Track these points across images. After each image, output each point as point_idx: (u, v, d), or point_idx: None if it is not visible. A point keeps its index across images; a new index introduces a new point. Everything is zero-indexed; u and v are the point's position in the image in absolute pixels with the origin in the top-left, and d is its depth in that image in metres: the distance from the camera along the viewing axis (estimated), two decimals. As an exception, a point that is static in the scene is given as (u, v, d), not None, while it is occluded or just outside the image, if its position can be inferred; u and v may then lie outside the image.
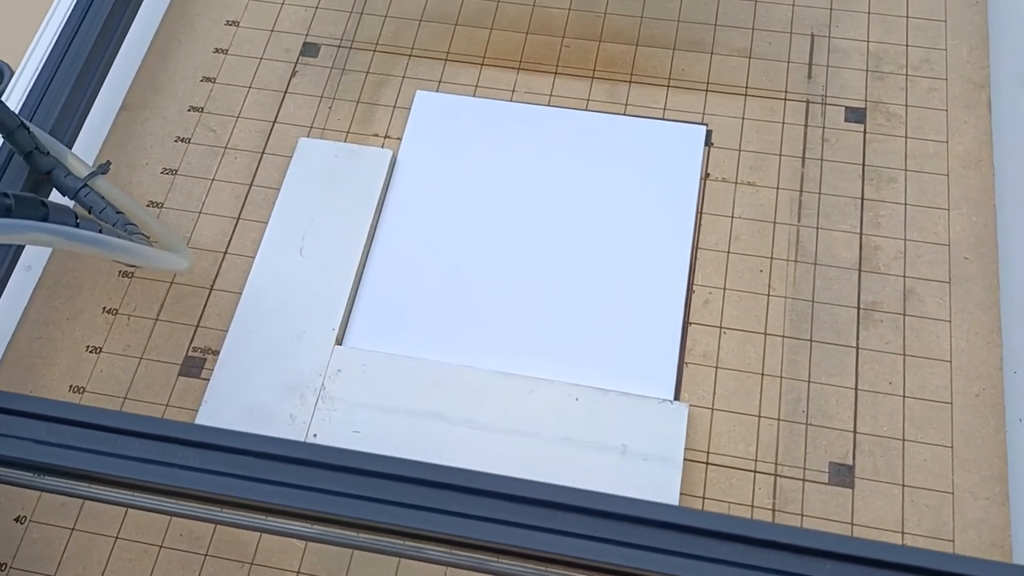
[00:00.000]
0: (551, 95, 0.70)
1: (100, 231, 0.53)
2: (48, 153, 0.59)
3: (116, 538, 0.56)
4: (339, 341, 0.61)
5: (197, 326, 0.63)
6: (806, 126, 0.68)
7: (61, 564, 0.55)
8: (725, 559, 0.44)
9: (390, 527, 0.46)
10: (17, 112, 0.58)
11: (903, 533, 0.55)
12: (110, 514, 0.56)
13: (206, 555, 0.55)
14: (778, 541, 0.44)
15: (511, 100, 0.70)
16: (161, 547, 0.56)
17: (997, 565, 0.46)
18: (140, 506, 0.48)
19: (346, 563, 0.55)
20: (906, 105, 0.69)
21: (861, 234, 0.64)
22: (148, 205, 0.68)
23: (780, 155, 0.67)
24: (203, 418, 0.57)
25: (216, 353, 0.61)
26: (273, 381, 0.59)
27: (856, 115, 0.69)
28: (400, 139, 0.69)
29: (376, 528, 0.46)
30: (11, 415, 0.45)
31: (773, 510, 0.56)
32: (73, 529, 0.56)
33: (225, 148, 0.70)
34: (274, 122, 0.71)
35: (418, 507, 0.45)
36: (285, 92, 0.72)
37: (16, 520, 0.57)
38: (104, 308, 0.64)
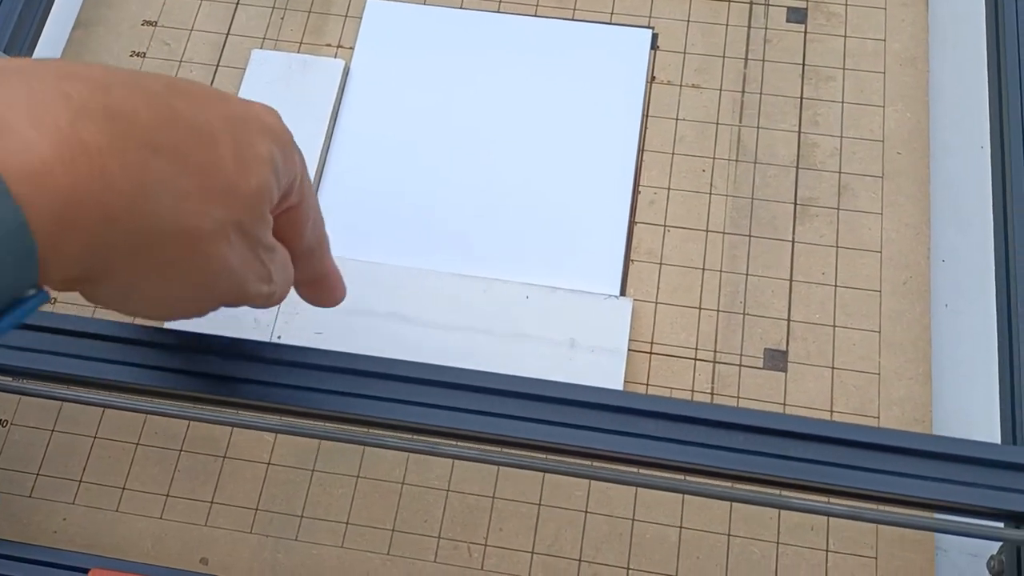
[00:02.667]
0: (501, 1, 0.71)
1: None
2: (4, 70, 0.60)
3: (95, 437, 0.59)
4: (299, 247, 0.63)
5: (162, 237, 0.65)
6: (749, 27, 0.70)
7: (44, 463, 0.59)
8: (662, 436, 0.48)
9: (352, 417, 0.49)
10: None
11: (832, 411, 0.59)
12: (88, 415, 0.60)
13: (181, 450, 0.59)
14: (712, 419, 0.48)
15: (461, 7, 0.71)
16: (138, 444, 0.59)
17: (918, 436, 0.49)
18: (115, 406, 0.51)
19: (314, 454, 0.58)
20: (846, 4, 0.71)
21: (799, 132, 0.67)
22: (107, 120, 0.69)
23: (724, 57, 0.69)
24: (172, 323, 0.60)
25: (181, 262, 0.63)
26: (237, 287, 0.61)
27: (797, 15, 0.71)
28: (353, 48, 0.70)
29: (340, 419, 0.49)
30: (-15, 322, 0.48)
31: (712, 393, 0.60)
32: (53, 430, 0.60)
33: (180, 61, 0.71)
34: (227, 34, 0.72)
35: (378, 398, 0.49)
36: (237, 4, 0.73)
37: (-1, 423, 0.60)
38: (70, 222, 0.66)
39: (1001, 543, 0.53)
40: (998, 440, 0.54)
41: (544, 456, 0.52)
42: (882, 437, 0.48)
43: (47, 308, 0.63)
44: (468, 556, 0.56)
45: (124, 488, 0.58)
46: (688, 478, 0.50)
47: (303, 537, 0.56)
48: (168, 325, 0.60)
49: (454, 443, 0.51)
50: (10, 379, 0.51)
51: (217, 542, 0.57)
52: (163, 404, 0.51)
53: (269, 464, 0.58)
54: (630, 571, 0.55)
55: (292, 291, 0.60)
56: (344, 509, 0.57)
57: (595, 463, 0.50)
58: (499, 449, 0.51)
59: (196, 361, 0.48)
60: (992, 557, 0.53)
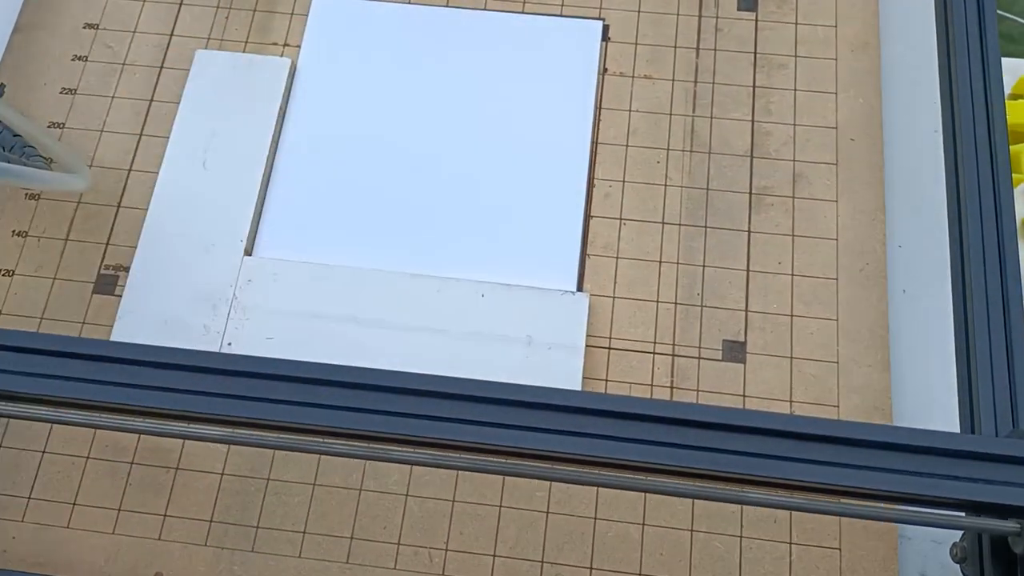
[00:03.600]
0: (449, -5, 0.70)
1: (-6, 155, 0.53)
2: (-64, 78, 0.58)
3: (43, 452, 0.58)
4: (248, 252, 0.62)
5: (107, 244, 0.63)
6: (700, 17, 0.70)
7: (-10, 481, 0.57)
8: (622, 436, 0.47)
9: (305, 427, 0.48)
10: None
11: (791, 402, 0.59)
12: (35, 430, 0.58)
13: (132, 463, 0.57)
14: (672, 417, 0.47)
15: (409, 3, 0.70)
16: (88, 458, 0.58)
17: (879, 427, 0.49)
18: (63, 421, 0.50)
19: (268, 462, 0.57)
20: (797, -9, 0.70)
21: (753, 121, 0.66)
22: (49, 126, 0.67)
23: (675, 47, 0.69)
24: (118, 333, 0.59)
25: (128, 270, 0.62)
26: (185, 294, 0.60)
27: (748, 3, 0.70)
28: (299, 47, 0.69)
29: (292, 429, 0.48)
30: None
31: (671, 387, 0.59)
32: (-1, 447, 0.58)
33: (123, 64, 0.69)
34: (171, 35, 0.70)
35: (330, 407, 0.47)
36: (181, 4, 0.71)
37: (-58, 442, 0.58)
38: (13, 231, 0.64)
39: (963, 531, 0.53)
40: (957, 427, 0.54)
41: (504, 459, 0.51)
42: (842, 430, 0.47)
43: (-12, 322, 0.61)
44: (429, 562, 0.55)
45: (75, 504, 0.57)
46: (649, 477, 0.50)
47: (260, 548, 0.55)
48: (114, 336, 0.59)
49: (412, 449, 0.50)
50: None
51: (172, 556, 0.55)
52: (112, 418, 0.50)
53: (223, 474, 0.57)
54: (593, 571, 0.55)
55: (245, 296, 0.59)
56: (301, 518, 0.56)
57: (555, 465, 0.50)
58: (457, 454, 0.50)
59: (144, 375, 0.47)
60: (955, 544, 0.53)
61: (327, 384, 0.48)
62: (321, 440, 0.50)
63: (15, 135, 0.58)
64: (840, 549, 0.55)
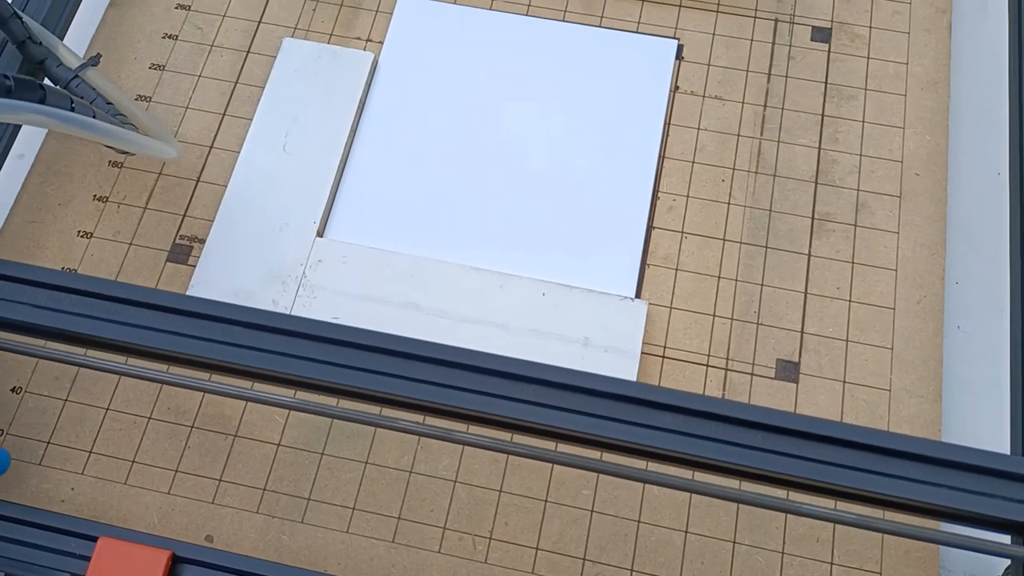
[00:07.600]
0: (529, 5, 0.72)
1: (94, 117, 0.56)
2: (40, 43, 0.60)
3: (107, 409, 0.60)
4: (320, 233, 0.64)
5: (184, 215, 0.65)
6: (773, 44, 0.71)
7: (55, 432, 0.59)
8: (675, 429, 0.48)
9: (367, 392, 0.49)
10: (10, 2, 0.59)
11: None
12: (101, 386, 0.60)
13: (192, 427, 0.59)
14: (724, 415, 0.48)
15: (490, 8, 0.72)
16: (150, 419, 0.59)
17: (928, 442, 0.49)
18: (131, 374, 0.51)
19: (324, 437, 0.59)
20: (870, 27, 0.71)
21: (820, 149, 0.67)
22: (136, 99, 0.70)
23: (747, 71, 0.70)
24: (193, 290, 0.61)
25: (202, 241, 0.64)
26: (257, 268, 0.62)
27: (822, 35, 0.71)
28: (382, 43, 0.71)
29: (354, 394, 0.49)
30: (11, 282, 0.48)
31: (722, 400, 0.60)
32: (66, 400, 0.60)
33: (211, 46, 0.72)
34: (259, 22, 0.72)
35: (394, 375, 0.49)
36: (270, -7, 0.73)
37: (12, 390, 0.60)
38: (94, 196, 0.66)
39: (1007, 564, 0.53)
40: (1007, 460, 0.55)
41: (553, 446, 0.52)
42: (892, 441, 0.48)
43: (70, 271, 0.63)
44: (472, 548, 0.56)
45: (133, 461, 0.58)
46: (696, 475, 0.51)
47: (309, 520, 0.56)
48: (190, 292, 0.61)
49: (464, 428, 0.51)
50: (29, 340, 0.51)
51: (223, 520, 0.57)
52: (179, 375, 0.51)
53: (279, 445, 0.58)
54: (634, 573, 0.56)
55: (315, 276, 0.61)
56: (351, 494, 0.57)
57: (604, 454, 0.50)
58: (509, 437, 0.51)
59: (216, 329, 0.49)
60: (997, 579, 0.53)
61: (389, 353, 0.49)
62: (379, 412, 0.51)
63: (108, 102, 0.60)
64: (880, 573, 0.56)
